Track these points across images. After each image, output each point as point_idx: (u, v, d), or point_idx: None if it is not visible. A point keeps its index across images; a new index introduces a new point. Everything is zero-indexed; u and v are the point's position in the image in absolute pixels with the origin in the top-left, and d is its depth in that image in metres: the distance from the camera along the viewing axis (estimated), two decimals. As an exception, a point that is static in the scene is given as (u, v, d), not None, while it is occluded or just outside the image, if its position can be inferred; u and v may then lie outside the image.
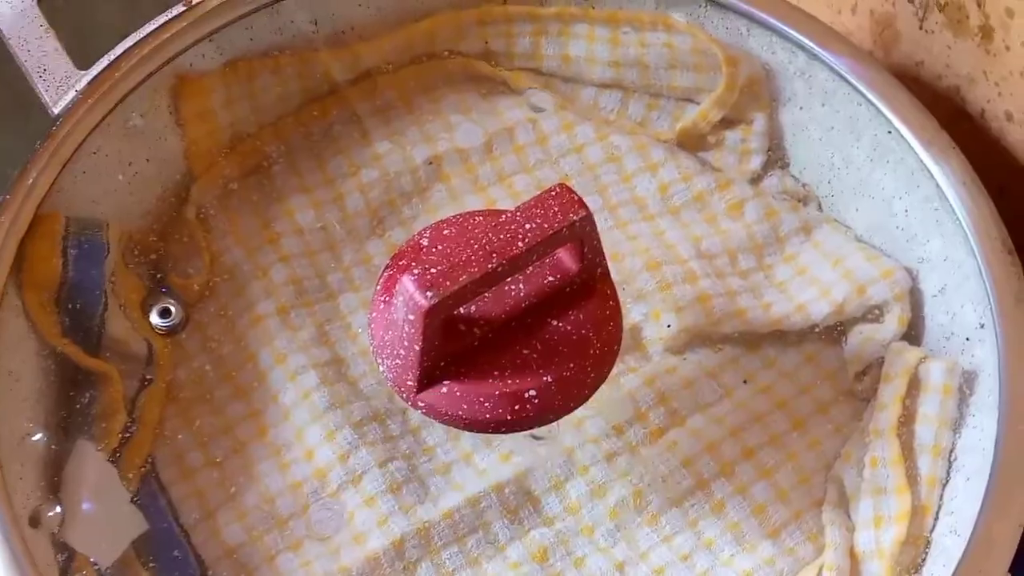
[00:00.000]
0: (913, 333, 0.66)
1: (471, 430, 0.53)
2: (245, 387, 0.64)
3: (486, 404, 0.51)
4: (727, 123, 0.72)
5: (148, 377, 0.63)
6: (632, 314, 0.66)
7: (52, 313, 0.61)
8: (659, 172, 0.71)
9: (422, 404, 0.52)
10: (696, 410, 0.65)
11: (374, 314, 0.54)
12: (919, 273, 0.66)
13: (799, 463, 0.63)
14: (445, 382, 0.52)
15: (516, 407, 0.51)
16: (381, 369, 0.53)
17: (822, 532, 0.61)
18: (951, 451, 0.60)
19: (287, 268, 0.67)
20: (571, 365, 0.52)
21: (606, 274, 0.54)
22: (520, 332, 0.53)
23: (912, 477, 0.60)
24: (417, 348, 0.50)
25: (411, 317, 0.49)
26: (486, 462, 0.63)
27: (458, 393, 0.51)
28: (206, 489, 0.62)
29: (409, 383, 0.52)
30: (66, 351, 0.61)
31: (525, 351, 0.52)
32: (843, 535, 0.60)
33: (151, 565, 0.59)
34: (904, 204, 0.66)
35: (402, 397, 0.53)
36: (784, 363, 0.67)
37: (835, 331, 0.67)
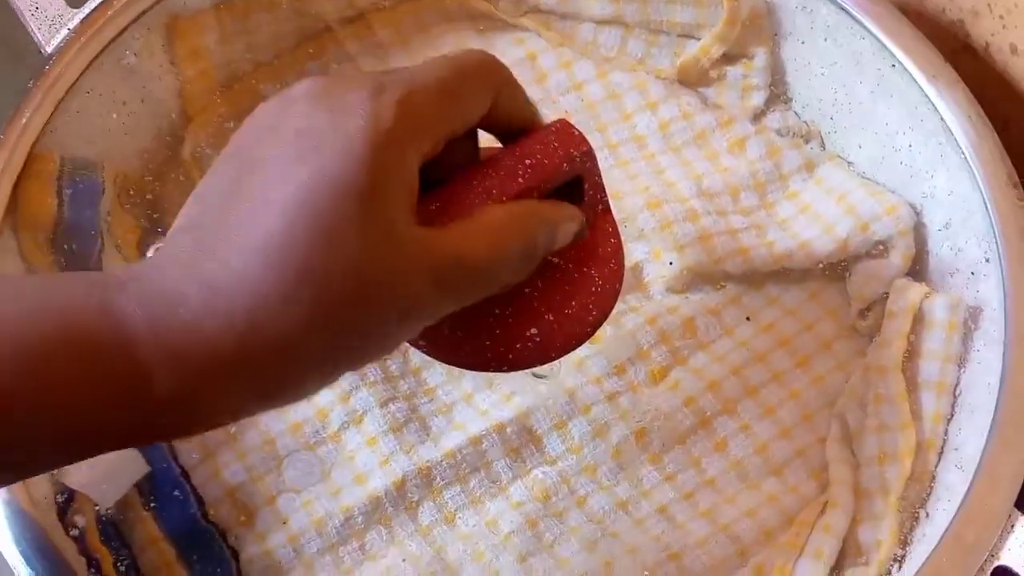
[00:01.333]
0: (917, 269, 0.65)
1: (472, 369, 0.52)
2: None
3: (487, 343, 0.50)
4: (728, 59, 0.71)
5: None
6: (633, 253, 0.66)
7: (48, 253, 0.60)
8: (659, 110, 0.70)
9: (423, 343, 0.51)
10: (698, 348, 0.65)
11: None
12: (923, 208, 0.65)
13: (802, 400, 0.63)
14: (446, 322, 0.51)
15: (517, 346, 0.50)
16: None
17: (826, 469, 0.61)
18: (955, 386, 0.60)
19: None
20: (572, 303, 0.51)
21: (607, 211, 0.53)
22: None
23: (916, 413, 0.59)
24: None
25: None
26: (487, 402, 0.62)
27: (459, 333, 0.51)
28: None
29: None
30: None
31: (526, 289, 0.51)
32: (847, 472, 0.60)
33: (152, 505, 0.59)
34: (908, 139, 0.65)
35: None
36: (787, 301, 0.66)
37: (838, 268, 0.67)
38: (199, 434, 0.37)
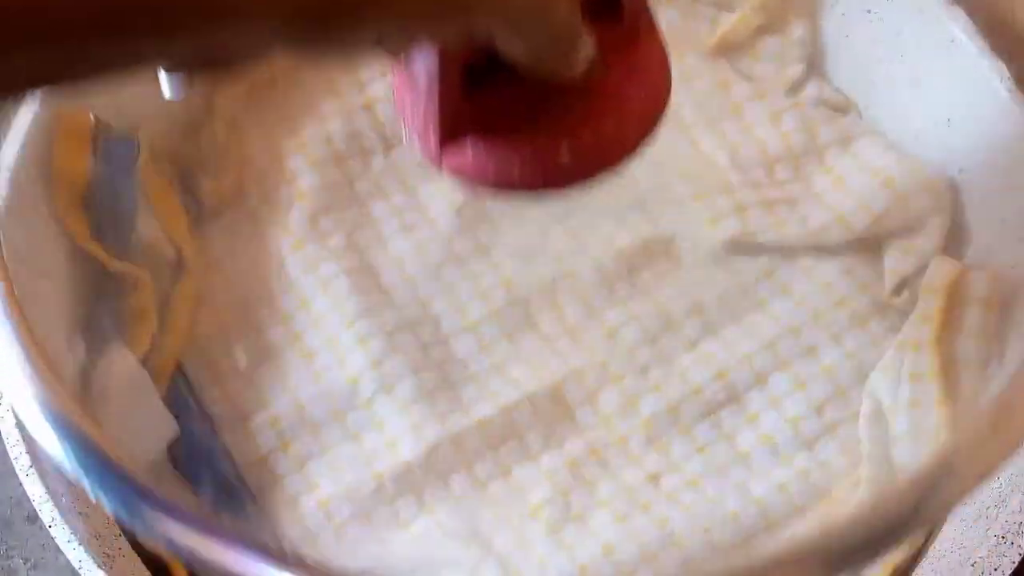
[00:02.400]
0: (954, 245, 0.65)
1: (499, 189, 0.47)
2: (275, 293, 0.64)
3: (515, 161, 0.46)
4: (766, 30, 0.70)
5: (178, 282, 0.63)
6: (667, 224, 0.66)
7: (81, 212, 0.60)
8: (695, 81, 0.70)
9: (448, 164, 0.47)
10: (731, 321, 0.64)
11: (397, 78, 0.48)
12: (961, 184, 0.65)
13: (834, 375, 0.63)
14: (471, 139, 0.46)
15: (548, 165, 0.46)
16: (406, 134, 0.48)
17: (858, 445, 0.61)
18: (992, 364, 0.59)
19: (316, 174, 0.66)
20: (609, 121, 0.46)
21: (652, 24, 0.48)
22: (554, 84, 0.45)
23: (952, 391, 0.59)
24: (436, 92, 0.45)
25: (428, 58, 0.43)
26: (519, 372, 0.62)
27: (485, 151, 0.46)
28: (237, 394, 0.61)
29: (433, 139, 0.46)
30: (95, 253, 0.60)
31: (559, 105, 0.46)
32: (880, 448, 0.59)
33: (184, 467, 0.59)
34: (946, 114, 0.65)
35: (428, 159, 0.47)
36: (821, 275, 0.66)
37: (874, 243, 0.66)
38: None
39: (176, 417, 0.60)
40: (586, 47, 0.41)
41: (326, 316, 0.63)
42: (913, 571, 0.55)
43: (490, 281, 0.65)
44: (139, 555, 0.54)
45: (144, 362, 0.60)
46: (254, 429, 0.60)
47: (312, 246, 0.64)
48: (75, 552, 0.50)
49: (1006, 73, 0.61)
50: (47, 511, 0.51)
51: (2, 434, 0.55)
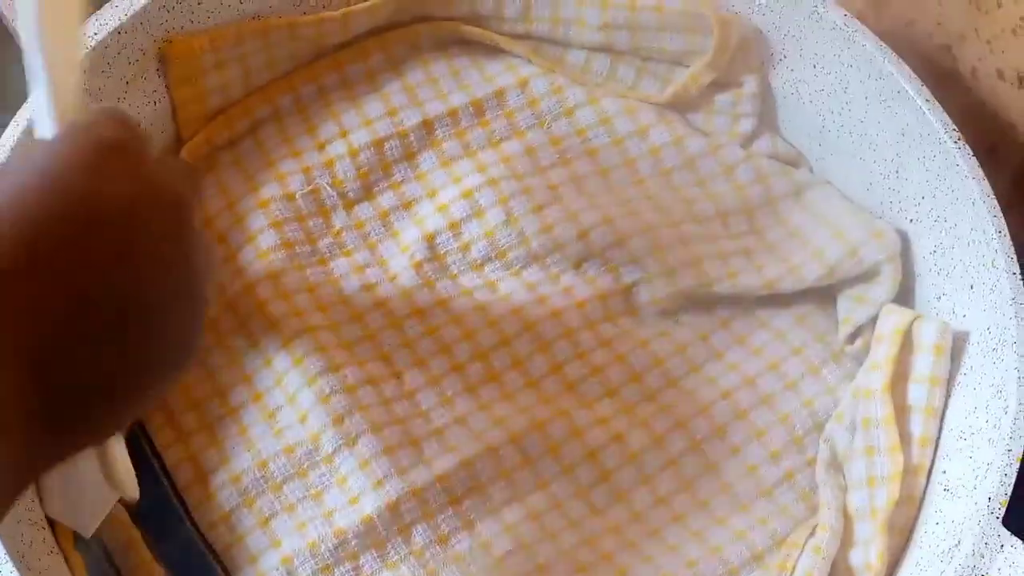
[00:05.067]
0: (905, 293, 0.66)
1: None
2: (237, 351, 0.64)
3: None
4: (718, 86, 0.72)
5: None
6: (625, 276, 0.67)
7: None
8: (650, 135, 0.71)
9: None
10: (690, 372, 0.65)
11: None
12: (911, 234, 0.66)
13: (791, 423, 0.64)
14: None
15: None
16: None
17: (815, 492, 0.62)
18: (943, 410, 0.60)
19: (278, 233, 0.67)
20: None
21: None
22: None
23: (905, 437, 0.60)
24: None
25: None
26: (481, 425, 0.63)
27: None
28: (199, 452, 0.61)
29: None
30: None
31: None
32: (836, 495, 0.60)
33: (146, 529, 0.59)
34: (895, 165, 0.66)
35: None
36: (776, 324, 0.67)
37: (827, 292, 0.67)
38: None
39: (138, 476, 0.60)
40: None
41: (288, 374, 0.63)
42: (871, 615, 0.56)
43: (451, 335, 0.65)
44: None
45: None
46: (216, 487, 0.60)
47: (274, 305, 0.64)
48: (3, 567, 0.50)
49: (951, 124, 0.63)
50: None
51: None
